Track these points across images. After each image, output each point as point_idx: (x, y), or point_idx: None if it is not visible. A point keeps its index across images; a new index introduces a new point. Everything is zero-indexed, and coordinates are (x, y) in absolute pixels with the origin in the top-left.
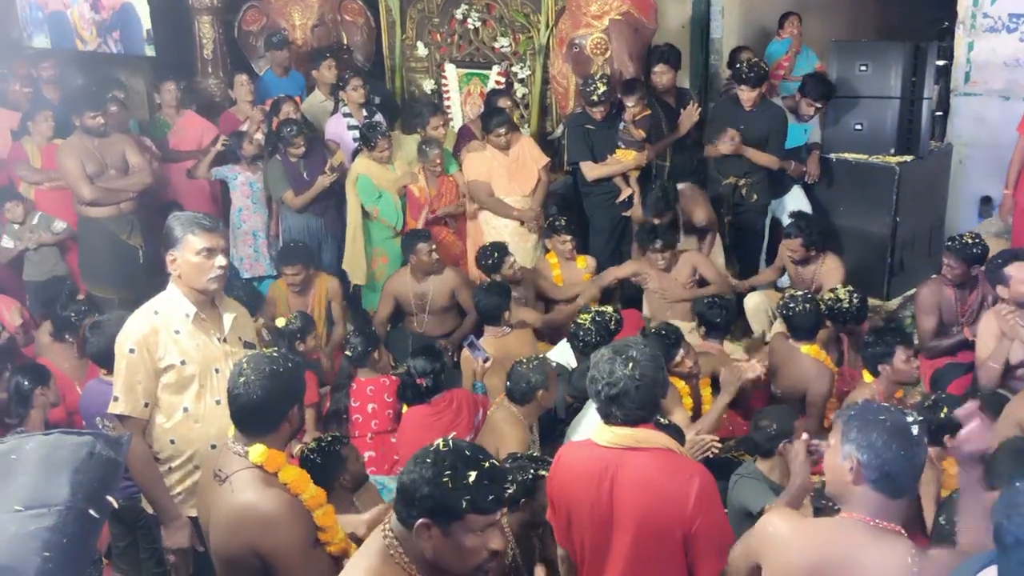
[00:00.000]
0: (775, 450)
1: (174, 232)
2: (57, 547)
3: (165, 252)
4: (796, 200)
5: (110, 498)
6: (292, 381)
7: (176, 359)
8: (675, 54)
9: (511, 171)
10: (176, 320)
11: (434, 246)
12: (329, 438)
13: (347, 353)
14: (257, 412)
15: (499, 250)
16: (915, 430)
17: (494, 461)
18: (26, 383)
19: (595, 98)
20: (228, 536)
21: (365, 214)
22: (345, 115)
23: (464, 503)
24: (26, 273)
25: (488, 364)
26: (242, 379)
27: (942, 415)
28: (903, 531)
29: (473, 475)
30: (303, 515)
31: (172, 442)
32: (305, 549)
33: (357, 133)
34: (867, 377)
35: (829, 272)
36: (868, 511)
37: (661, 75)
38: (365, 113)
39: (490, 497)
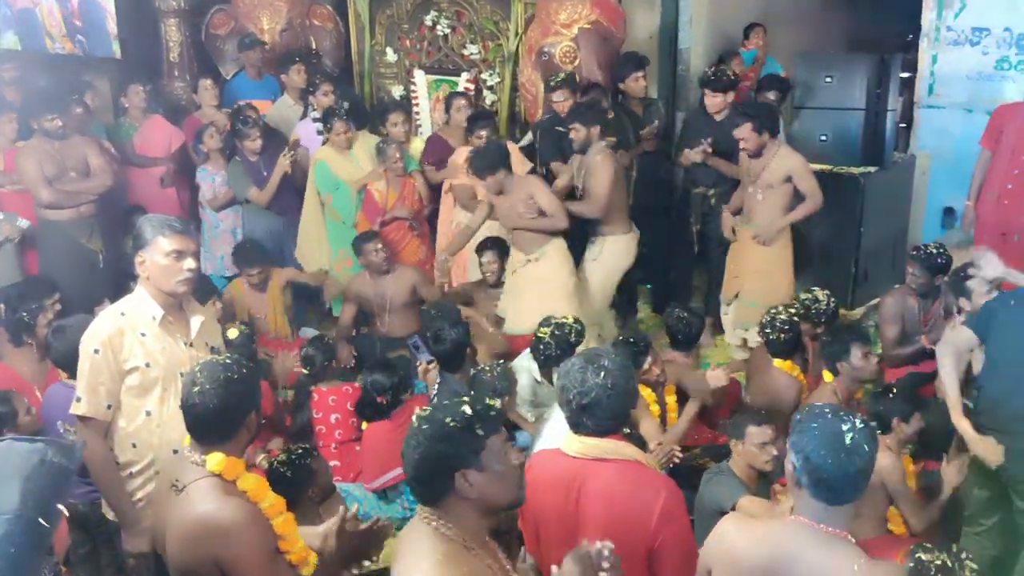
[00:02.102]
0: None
1: (144, 233)
2: (4, 556)
3: (134, 253)
4: None
5: (61, 507)
6: (248, 387)
7: (141, 361)
8: (647, 62)
9: None
10: (143, 322)
11: (379, 245)
12: (299, 450)
13: (304, 370)
14: (214, 421)
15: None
16: (849, 438)
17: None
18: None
19: (552, 83)
20: (187, 547)
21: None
22: (315, 120)
23: (479, 431)
24: None
25: (432, 366)
26: (196, 388)
27: (890, 395)
28: (850, 537)
29: (467, 408)
30: (264, 523)
31: (133, 446)
32: (267, 557)
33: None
34: (827, 377)
35: (781, 161)
36: (812, 516)
37: (639, 81)
38: None
39: (492, 414)
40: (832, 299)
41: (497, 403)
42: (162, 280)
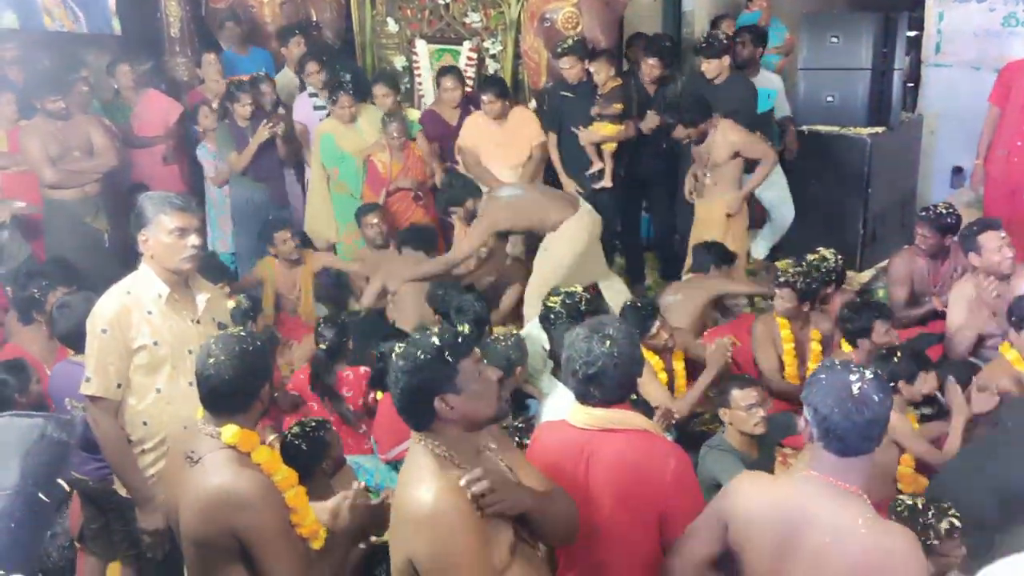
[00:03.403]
0: None
1: (146, 212)
2: (5, 532)
3: (136, 232)
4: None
5: (61, 481)
6: (262, 359)
7: (148, 340)
8: (671, 52)
9: (500, 141)
10: (149, 300)
11: (376, 220)
12: (313, 423)
13: (322, 346)
14: (229, 392)
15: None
16: (856, 387)
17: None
18: (9, 380)
19: (560, 50)
20: (204, 518)
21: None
22: (312, 95)
23: (450, 357)
24: None
25: None
26: (212, 360)
27: (895, 358)
28: (862, 493)
29: (434, 338)
30: (278, 496)
31: (144, 424)
32: (283, 529)
33: (324, 114)
34: (845, 347)
35: (722, 139)
36: (825, 469)
37: (652, 68)
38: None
39: (459, 340)
40: (840, 258)
41: (465, 328)
42: (166, 258)
